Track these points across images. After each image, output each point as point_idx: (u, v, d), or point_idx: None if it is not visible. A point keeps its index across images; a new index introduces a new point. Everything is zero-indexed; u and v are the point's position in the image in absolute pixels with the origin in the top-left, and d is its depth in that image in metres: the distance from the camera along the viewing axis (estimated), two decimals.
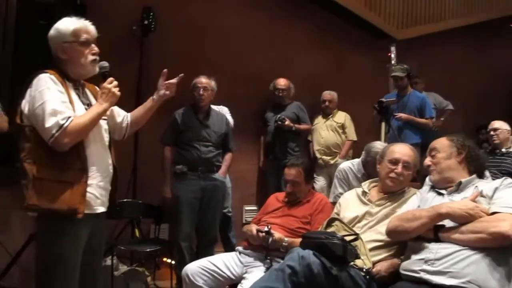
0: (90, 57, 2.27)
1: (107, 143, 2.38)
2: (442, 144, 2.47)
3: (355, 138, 5.59)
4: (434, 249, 2.13)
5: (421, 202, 2.42)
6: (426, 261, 2.11)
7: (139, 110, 2.59)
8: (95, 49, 2.30)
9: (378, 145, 3.51)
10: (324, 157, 5.54)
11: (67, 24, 2.27)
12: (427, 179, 3.60)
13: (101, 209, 2.29)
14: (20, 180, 2.14)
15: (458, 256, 2.05)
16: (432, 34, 6.80)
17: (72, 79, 2.29)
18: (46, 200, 2.09)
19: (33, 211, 2.13)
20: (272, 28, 5.76)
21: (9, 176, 3.64)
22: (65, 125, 2.08)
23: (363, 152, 3.64)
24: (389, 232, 2.36)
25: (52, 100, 2.11)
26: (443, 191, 2.37)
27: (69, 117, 2.10)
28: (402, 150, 2.72)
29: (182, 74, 2.63)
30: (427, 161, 2.48)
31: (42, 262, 2.18)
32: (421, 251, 2.18)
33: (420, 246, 2.20)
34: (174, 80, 2.60)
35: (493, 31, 7.36)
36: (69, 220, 2.12)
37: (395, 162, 2.67)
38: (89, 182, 2.18)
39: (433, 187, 2.46)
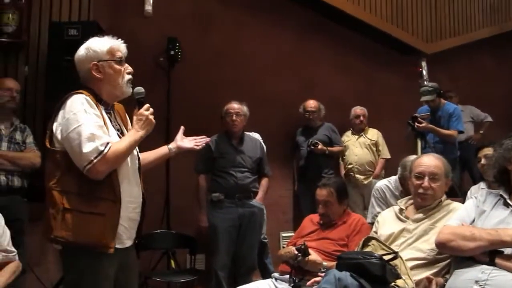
0: (127, 76, 2.18)
1: (137, 171, 2.24)
2: None
3: (388, 156, 5.44)
4: (487, 269, 1.96)
5: (479, 216, 2.20)
6: (477, 281, 1.94)
7: (150, 155, 2.45)
8: (130, 68, 2.21)
9: (412, 157, 3.41)
10: (357, 175, 5.36)
11: (101, 43, 2.17)
12: (481, 185, 3.40)
13: (129, 243, 2.16)
14: (47, 209, 2.00)
15: None
16: (461, 46, 6.70)
17: (105, 102, 2.17)
18: (75, 233, 1.95)
19: (59, 243, 2.00)
20: (297, 50, 5.76)
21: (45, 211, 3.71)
22: (105, 151, 1.95)
23: (399, 168, 3.55)
24: (439, 244, 2.18)
25: (89, 124, 1.98)
26: (510, 202, 2.13)
27: (108, 143, 1.98)
28: (427, 162, 2.55)
29: (208, 139, 2.66)
30: None
31: None
32: (471, 270, 2.01)
33: (470, 264, 2.04)
34: (204, 140, 2.58)
35: None
36: (98, 256, 1.98)
37: (421, 176, 2.52)
38: (122, 214, 2.05)
39: (502, 197, 2.19)
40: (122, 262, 2.13)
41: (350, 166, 5.41)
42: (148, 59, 4.70)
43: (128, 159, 2.14)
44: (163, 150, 2.49)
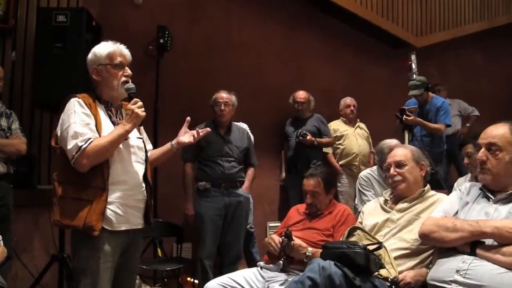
0: (122, 79, 2.36)
1: (141, 161, 2.42)
2: (506, 141, 2.12)
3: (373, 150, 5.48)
4: (468, 259, 1.99)
5: (462, 207, 2.23)
6: (458, 271, 1.97)
7: (157, 152, 2.65)
8: (128, 71, 2.40)
9: (387, 140, 3.68)
10: (362, 166, 5.29)
11: (102, 48, 2.38)
12: (468, 176, 3.47)
13: (124, 227, 2.31)
14: (53, 197, 2.29)
15: (495, 269, 1.91)
16: (451, 40, 6.73)
17: (104, 101, 2.40)
18: (66, 217, 2.21)
19: (57, 226, 2.31)
20: (287, 41, 5.76)
21: (30, 198, 3.70)
22: (83, 147, 2.16)
23: (375, 156, 3.81)
24: (422, 235, 2.21)
25: (75, 123, 2.21)
26: (490, 195, 2.17)
27: (89, 139, 2.19)
28: (392, 154, 2.72)
29: (208, 129, 2.70)
30: (483, 155, 2.15)
31: (73, 275, 2.30)
32: (452, 259, 2.04)
33: (452, 254, 2.07)
34: (201, 132, 2.64)
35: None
36: (89, 236, 2.20)
37: (389, 167, 2.66)
38: (110, 200, 2.24)
39: (481, 189, 2.24)
40: (124, 246, 2.34)
41: (352, 157, 5.35)
42: (137, 48, 4.64)
43: (124, 150, 2.33)
44: (166, 146, 2.65)
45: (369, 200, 3.49)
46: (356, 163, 5.32)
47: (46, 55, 3.70)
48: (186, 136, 2.63)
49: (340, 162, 5.37)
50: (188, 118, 2.64)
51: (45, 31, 3.75)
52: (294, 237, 2.76)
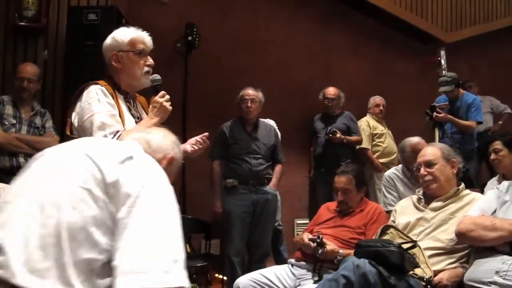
0: (145, 69, 2.21)
1: None
2: None
3: None
4: (508, 260, 1.95)
5: (500, 206, 2.19)
6: (497, 272, 1.93)
7: None
8: (150, 60, 2.23)
9: (409, 138, 3.72)
10: None
11: (124, 33, 2.21)
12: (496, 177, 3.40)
13: None
14: None
15: None
16: (481, 35, 6.59)
17: (123, 91, 2.23)
18: None
19: None
20: (315, 37, 5.72)
21: None
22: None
23: (398, 154, 3.87)
24: (459, 234, 2.18)
25: (101, 113, 2.03)
26: None
27: (118, 132, 2.01)
28: (422, 153, 2.65)
29: (206, 134, 2.46)
30: None
31: None
32: (491, 260, 2.00)
33: (491, 254, 2.03)
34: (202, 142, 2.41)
35: None
36: None
37: (419, 167, 2.60)
38: None
39: None
40: None
41: (394, 156, 5.17)
42: (165, 45, 4.68)
43: None
44: None
45: (389, 203, 3.51)
46: (395, 163, 5.20)
47: (78, 53, 3.76)
48: (188, 145, 2.40)
49: (381, 160, 5.23)
50: (206, 133, 2.44)
51: (76, 29, 3.82)
52: (325, 241, 2.72)
